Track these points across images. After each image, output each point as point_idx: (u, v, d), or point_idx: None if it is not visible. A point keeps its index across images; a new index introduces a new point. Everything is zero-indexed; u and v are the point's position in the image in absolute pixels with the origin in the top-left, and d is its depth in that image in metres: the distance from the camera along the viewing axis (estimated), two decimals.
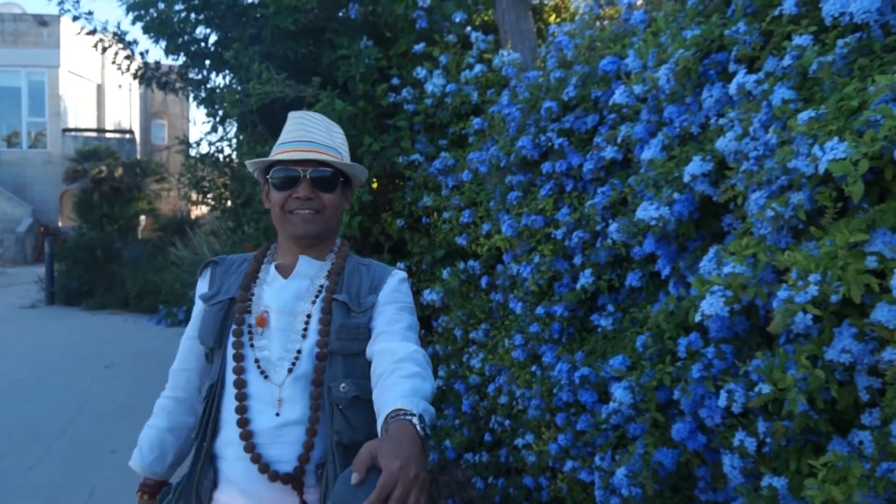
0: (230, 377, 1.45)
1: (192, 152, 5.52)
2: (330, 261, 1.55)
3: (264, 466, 1.38)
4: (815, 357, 1.34)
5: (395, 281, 1.55)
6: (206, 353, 1.53)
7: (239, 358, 1.45)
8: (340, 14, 4.39)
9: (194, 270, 10.56)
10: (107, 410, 5.43)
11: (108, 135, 20.91)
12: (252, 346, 1.46)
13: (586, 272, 2.38)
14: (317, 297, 1.49)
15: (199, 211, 14.79)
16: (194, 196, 5.75)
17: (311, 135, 1.51)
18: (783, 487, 1.41)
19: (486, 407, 3.32)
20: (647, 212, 1.85)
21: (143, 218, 16.39)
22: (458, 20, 3.88)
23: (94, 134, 20.52)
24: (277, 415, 1.41)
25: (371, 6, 4.25)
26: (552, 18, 4.40)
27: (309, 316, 1.47)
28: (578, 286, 2.41)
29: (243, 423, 1.41)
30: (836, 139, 1.21)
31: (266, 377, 1.43)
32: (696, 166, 1.71)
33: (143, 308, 10.80)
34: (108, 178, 15.54)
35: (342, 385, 1.41)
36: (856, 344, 1.25)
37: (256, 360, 1.45)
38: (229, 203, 5.54)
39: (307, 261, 1.53)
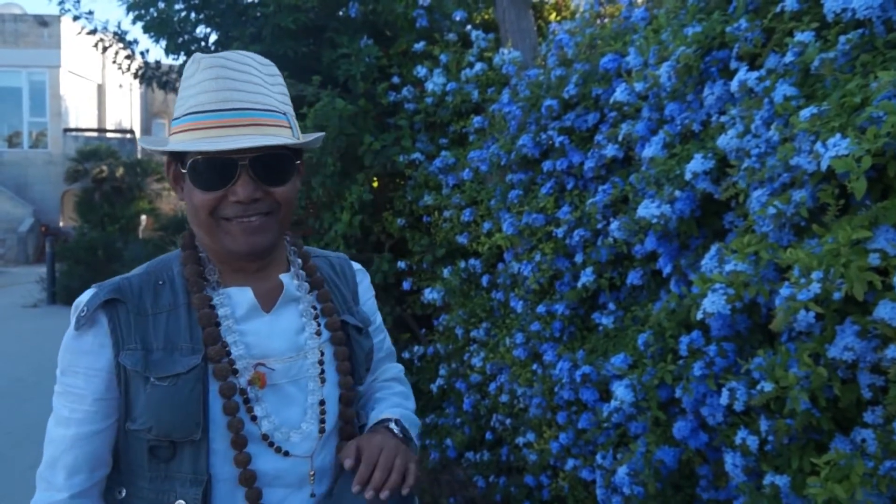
0: (228, 473, 1.02)
1: None
2: (296, 267, 1.17)
3: None
4: (818, 355, 1.34)
5: (367, 280, 1.31)
6: (159, 446, 1.01)
7: (241, 443, 1.02)
8: (340, 13, 4.39)
9: None
10: None
11: (108, 134, 20.94)
12: (254, 419, 1.04)
13: (587, 270, 2.38)
14: (317, 323, 1.14)
15: None
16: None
17: (235, 95, 0.99)
18: (785, 486, 1.40)
19: (488, 405, 3.32)
20: (648, 210, 1.85)
21: (143, 217, 16.42)
22: (458, 19, 3.88)
23: (94, 134, 20.55)
24: (313, 495, 1.08)
25: (371, 5, 4.25)
26: (553, 16, 4.39)
27: (322, 353, 1.12)
28: (579, 284, 2.41)
29: None
30: (838, 136, 1.20)
31: (287, 454, 1.05)
32: (697, 164, 1.70)
33: None
34: (109, 178, 15.57)
35: (361, 419, 1.22)
36: (858, 342, 1.25)
37: (265, 437, 1.04)
38: None
39: (288, 278, 1.13)
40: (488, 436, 3.37)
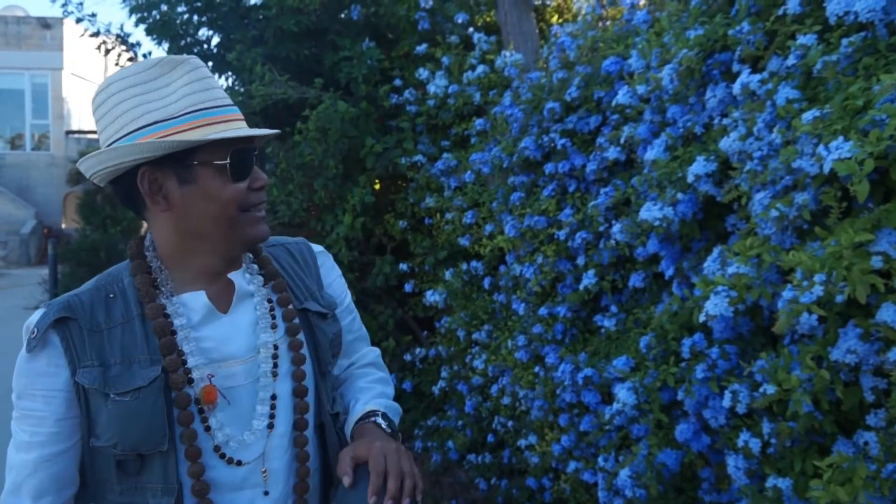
0: (187, 483, 1.00)
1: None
2: (248, 261, 1.14)
3: None
4: (820, 358, 1.33)
5: (329, 261, 1.27)
6: (126, 460, 1.00)
7: (195, 455, 1.00)
8: (342, 16, 4.39)
9: None
10: None
11: None
12: (207, 429, 1.02)
13: (589, 273, 2.38)
14: (272, 316, 1.10)
15: None
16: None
17: (222, 94, 1.05)
18: (788, 488, 1.40)
19: (489, 408, 3.32)
20: (650, 212, 1.85)
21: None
22: (460, 21, 3.89)
23: (97, 136, 20.57)
24: (266, 493, 1.06)
25: (373, 7, 4.26)
26: (554, 19, 4.40)
27: (276, 347, 1.08)
28: (582, 287, 2.41)
29: None
30: (840, 139, 1.20)
31: (238, 463, 1.04)
32: (699, 166, 1.70)
33: None
34: None
35: (340, 407, 1.20)
36: (861, 344, 1.25)
37: (216, 448, 1.02)
38: None
39: (239, 275, 1.09)
40: (490, 438, 3.37)
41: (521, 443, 2.92)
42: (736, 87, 1.61)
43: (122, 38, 5.56)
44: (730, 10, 1.85)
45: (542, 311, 2.63)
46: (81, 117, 20.97)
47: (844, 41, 1.38)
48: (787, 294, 1.27)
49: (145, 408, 0.97)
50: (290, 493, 1.09)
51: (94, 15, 5.52)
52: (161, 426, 0.98)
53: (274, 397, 1.07)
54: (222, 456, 1.02)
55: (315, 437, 1.13)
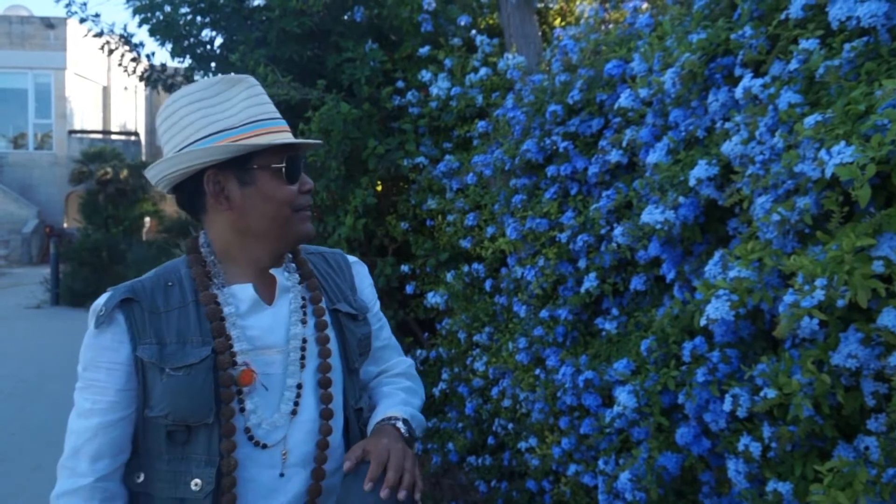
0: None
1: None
2: (288, 260, 1.26)
3: None
4: (821, 362, 1.34)
5: (363, 270, 1.39)
6: (175, 430, 1.11)
7: (230, 431, 1.11)
8: (346, 17, 4.40)
9: None
10: None
11: (113, 136, 21.03)
12: (243, 410, 1.13)
13: (591, 276, 2.38)
14: (304, 313, 1.21)
15: None
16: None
17: (274, 109, 1.21)
18: (788, 492, 1.40)
19: (490, 410, 3.32)
20: (652, 215, 1.85)
21: (147, 219, 16.45)
22: (463, 23, 3.89)
23: (99, 136, 20.63)
24: (282, 475, 1.14)
25: (376, 9, 4.26)
26: (557, 22, 4.40)
27: (304, 340, 1.19)
28: (583, 290, 2.41)
29: None
30: (842, 143, 1.20)
31: (264, 446, 1.13)
32: (701, 170, 1.71)
33: None
34: (114, 180, 15.60)
35: (367, 402, 1.27)
36: (862, 349, 1.25)
37: (247, 429, 1.13)
38: None
39: (279, 272, 1.22)
40: (490, 440, 3.37)
41: (522, 445, 2.92)
42: (738, 91, 1.61)
43: (126, 39, 5.58)
44: (732, 14, 1.86)
45: (544, 313, 2.63)
46: (84, 117, 21.02)
47: (847, 46, 1.38)
48: (788, 298, 1.27)
49: (195, 382, 1.09)
50: (309, 478, 1.15)
51: (97, 15, 5.55)
52: (208, 401, 1.09)
53: (300, 386, 1.16)
54: (250, 438, 1.12)
55: (341, 428, 1.21)
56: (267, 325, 1.17)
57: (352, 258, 1.38)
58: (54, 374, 6.70)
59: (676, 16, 2.16)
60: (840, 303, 1.19)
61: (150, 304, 1.14)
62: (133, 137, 21.02)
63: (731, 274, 1.44)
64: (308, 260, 1.29)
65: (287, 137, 1.16)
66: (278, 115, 1.20)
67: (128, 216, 15.15)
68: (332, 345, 1.22)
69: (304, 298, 1.22)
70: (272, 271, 1.21)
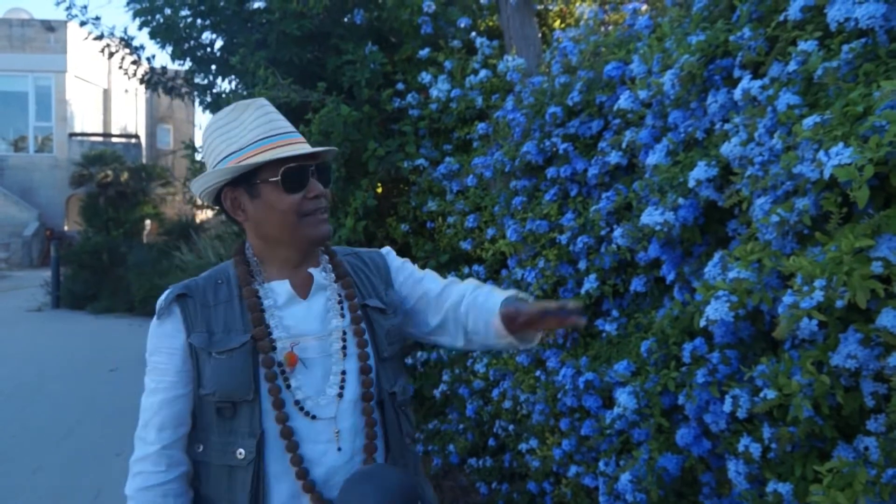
0: (273, 429, 1.26)
1: (199, 157, 5.55)
2: (325, 262, 1.41)
3: None
4: (821, 363, 1.34)
5: (396, 260, 1.51)
6: (223, 407, 1.27)
7: (279, 405, 1.26)
8: (346, 20, 4.41)
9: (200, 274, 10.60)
10: (112, 413, 5.44)
11: (114, 139, 21.03)
12: (289, 387, 1.28)
13: (591, 277, 2.38)
14: (340, 307, 1.36)
15: (204, 215, 14.84)
16: (200, 201, 5.78)
17: (285, 124, 1.33)
18: (788, 493, 1.41)
19: (490, 412, 3.32)
20: (651, 217, 1.85)
21: (148, 222, 16.45)
22: (462, 26, 3.90)
23: (100, 138, 20.62)
24: (339, 449, 1.28)
25: (376, 12, 4.27)
26: (557, 24, 4.41)
27: (344, 332, 1.33)
28: (583, 291, 2.41)
29: (302, 474, 1.24)
30: (841, 144, 1.21)
31: (314, 417, 1.27)
32: (701, 171, 1.71)
33: (149, 312, 10.71)
34: (114, 183, 15.59)
35: (401, 388, 1.38)
36: (861, 349, 1.25)
37: (297, 403, 1.27)
38: None
39: (317, 271, 1.37)
40: (491, 442, 3.37)
41: (522, 447, 2.92)
42: (737, 93, 1.61)
43: (126, 42, 5.59)
44: (731, 15, 1.86)
45: None
46: (84, 120, 21.04)
47: (845, 47, 1.38)
48: (787, 299, 1.27)
49: (237, 364, 1.25)
50: (359, 452, 1.29)
51: (97, 18, 5.56)
52: (248, 380, 1.25)
53: (344, 371, 1.31)
54: (301, 409, 1.26)
55: (378, 409, 1.34)
56: (301, 315, 1.32)
57: (384, 249, 1.52)
58: (54, 375, 6.70)
59: (675, 17, 2.17)
60: (839, 303, 1.20)
61: (201, 298, 1.31)
62: (133, 140, 21.01)
63: (731, 275, 1.44)
64: (344, 261, 1.43)
65: (288, 150, 1.27)
66: (288, 128, 1.32)
67: (128, 219, 15.14)
68: (366, 336, 1.36)
69: (339, 295, 1.37)
70: (310, 270, 1.35)
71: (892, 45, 1.36)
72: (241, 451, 1.24)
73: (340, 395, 1.30)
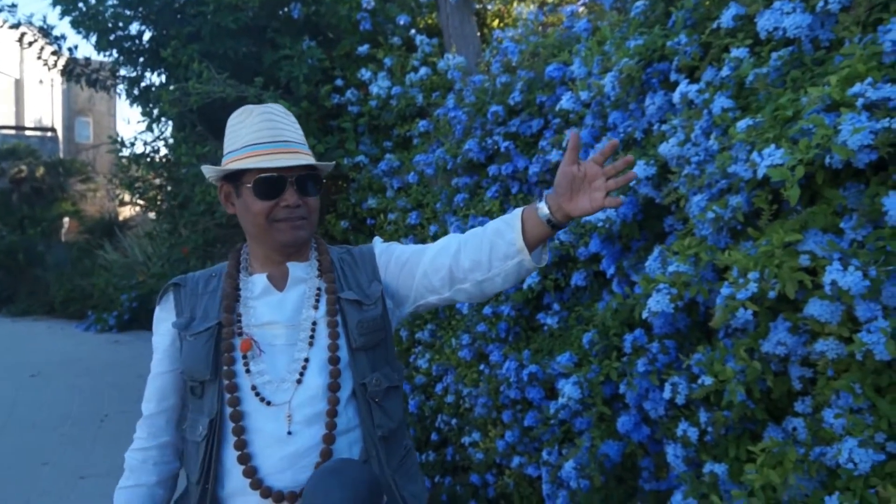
0: (227, 410, 1.33)
1: (126, 152, 5.34)
2: (314, 258, 1.47)
3: (278, 496, 1.28)
4: (752, 350, 1.43)
5: (380, 246, 1.53)
6: (194, 386, 1.38)
7: (233, 388, 1.33)
8: (282, 13, 4.34)
9: (126, 274, 10.19)
10: (36, 421, 5.17)
11: (27, 132, 19.89)
12: (248, 371, 1.34)
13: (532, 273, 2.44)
14: (317, 300, 1.42)
15: (128, 212, 14.28)
16: (127, 197, 5.56)
17: (282, 133, 1.39)
18: (724, 473, 1.49)
19: (433, 406, 3.35)
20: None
21: (66, 220, 15.68)
22: (402, 23, 3.91)
23: (12, 132, 19.48)
24: (290, 433, 1.31)
25: (314, 6, 4.22)
26: (495, 24, 4.47)
27: (314, 323, 1.39)
28: (525, 286, 2.47)
29: (244, 458, 1.29)
30: (773, 146, 1.29)
31: (269, 403, 1.32)
32: (639, 170, 1.78)
33: (70, 314, 10.35)
34: (29, 178, 14.79)
35: (374, 379, 1.39)
36: (790, 337, 1.34)
37: (254, 388, 1.33)
38: (165, 205, 5.38)
39: (296, 266, 1.43)
40: (434, 437, 3.40)
41: (465, 440, 2.96)
42: (675, 96, 1.69)
43: (45, 31, 5.32)
44: (667, 21, 1.94)
45: (486, 310, 2.68)
46: None
47: (774, 55, 1.48)
48: (725, 290, 1.35)
49: (199, 346, 1.36)
50: (320, 442, 1.32)
51: (14, 5, 5.25)
52: (207, 361, 1.35)
53: (307, 359, 1.36)
54: (256, 394, 1.33)
55: (352, 399, 1.38)
56: (274, 305, 1.39)
57: (377, 241, 1.56)
58: None
59: (614, 22, 2.25)
60: (771, 294, 1.28)
61: (193, 287, 1.44)
62: (49, 133, 19.96)
63: (670, 269, 1.52)
64: (334, 258, 1.50)
65: (267, 161, 1.34)
66: (283, 137, 1.38)
67: (45, 217, 14.40)
68: (340, 328, 1.41)
69: (319, 289, 1.43)
70: (289, 264, 1.42)
71: (816, 53, 1.46)
72: (201, 428, 1.34)
73: (299, 382, 1.34)
